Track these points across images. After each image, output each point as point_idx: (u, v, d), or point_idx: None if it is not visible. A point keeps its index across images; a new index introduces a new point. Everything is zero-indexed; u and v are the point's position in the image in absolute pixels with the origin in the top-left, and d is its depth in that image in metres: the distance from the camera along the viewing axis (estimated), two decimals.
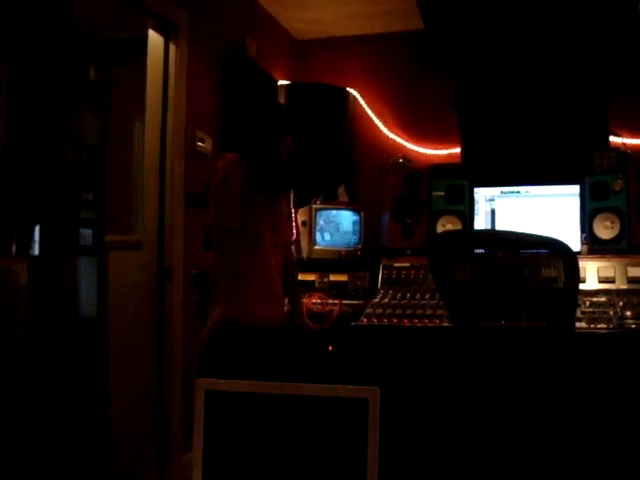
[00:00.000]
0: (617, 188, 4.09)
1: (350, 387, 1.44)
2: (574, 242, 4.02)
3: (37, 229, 3.27)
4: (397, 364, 3.32)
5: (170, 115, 4.04)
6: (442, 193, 4.42)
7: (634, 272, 3.79)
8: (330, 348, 4.04)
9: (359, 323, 3.62)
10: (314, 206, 4.49)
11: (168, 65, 4.05)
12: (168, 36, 4.05)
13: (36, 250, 3.28)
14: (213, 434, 1.48)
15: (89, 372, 3.60)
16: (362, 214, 4.66)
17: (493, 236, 3.35)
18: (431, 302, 3.77)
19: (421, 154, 5.29)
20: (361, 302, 3.89)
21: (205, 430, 1.49)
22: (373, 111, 5.57)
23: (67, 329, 3.31)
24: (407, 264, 4.03)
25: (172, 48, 4.05)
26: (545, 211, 4.22)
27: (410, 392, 3.26)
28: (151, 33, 4.02)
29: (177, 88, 4.04)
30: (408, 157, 5.07)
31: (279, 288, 3.25)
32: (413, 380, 3.34)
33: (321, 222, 4.52)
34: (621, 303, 3.57)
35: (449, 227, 4.33)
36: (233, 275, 3.08)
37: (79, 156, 3.51)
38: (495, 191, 4.34)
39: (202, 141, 4.23)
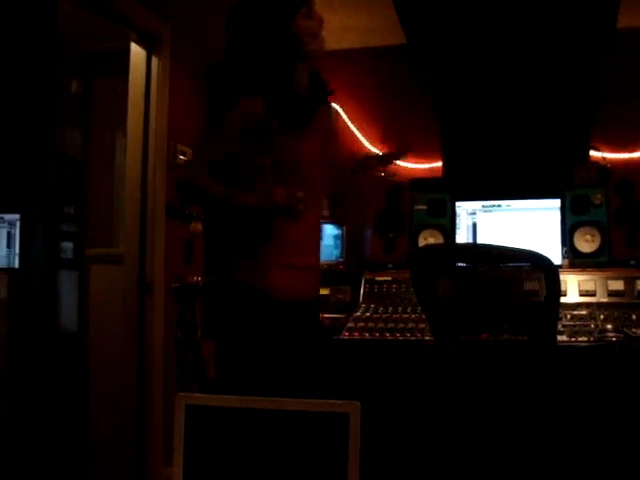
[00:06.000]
0: (597, 202, 4.11)
1: (331, 401, 1.44)
2: (555, 256, 4.04)
3: (18, 242, 3.26)
4: (379, 378, 3.32)
5: (152, 128, 4.03)
6: (424, 207, 4.43)
7: (614, 285, 3.81)
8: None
9: (341, 337, 3.61)
10: None
11: (150, 78, 4.04)
12: (151, 49, 4.05)
13: (16, 263, 3.26)
14: (193, 449, 1.48)
15: (69, 387, 3.57)
16: (344, 228, 4.66)
17: (475, 250, 3.36)
18: (413, 316, 3.77)
19: (403, 168, 5.28)
20: (343, 316, 3.88)
21: (185, 445, 1.48)
22: (355, 125, 5.57)
23: (47, 343, 3.28)
24: (389, 278, 4.02)
25: (154, 61, 4.05)
26: (526, 225, 4.24)
27: (392, 407, 3.26)
28: (133, 46, 4.01)
29: (159, 101, 4.03)
30: (390, 171, 5.09)
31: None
32: (395, 394, 3.33)
33: None
34: (602, 316, 3.59)
35: (431, 241, 4.34)
36: None
37: (60, 169, 3.49)
38: (477, 205, 4.35)
39: (184, 154, 4.22)
